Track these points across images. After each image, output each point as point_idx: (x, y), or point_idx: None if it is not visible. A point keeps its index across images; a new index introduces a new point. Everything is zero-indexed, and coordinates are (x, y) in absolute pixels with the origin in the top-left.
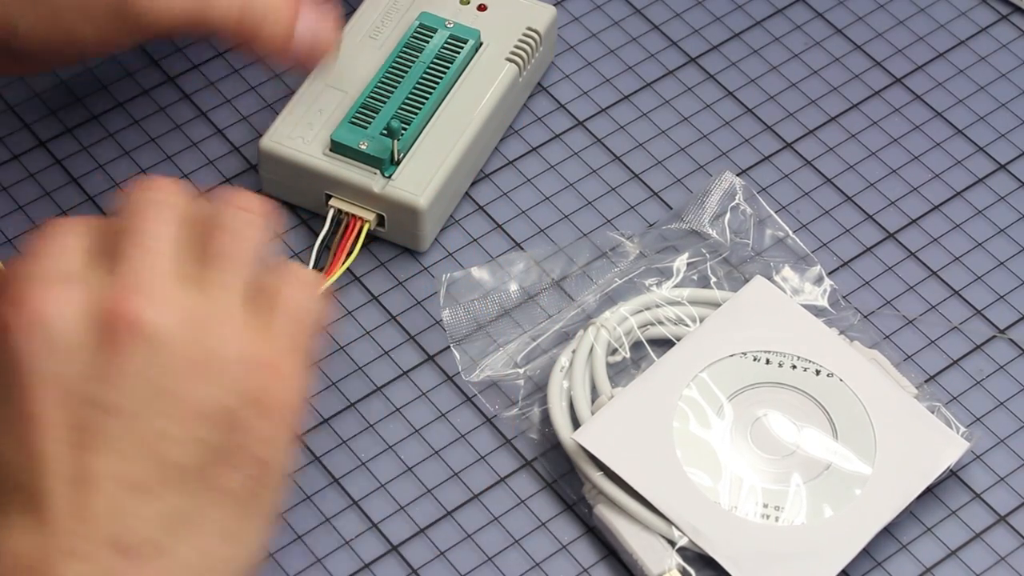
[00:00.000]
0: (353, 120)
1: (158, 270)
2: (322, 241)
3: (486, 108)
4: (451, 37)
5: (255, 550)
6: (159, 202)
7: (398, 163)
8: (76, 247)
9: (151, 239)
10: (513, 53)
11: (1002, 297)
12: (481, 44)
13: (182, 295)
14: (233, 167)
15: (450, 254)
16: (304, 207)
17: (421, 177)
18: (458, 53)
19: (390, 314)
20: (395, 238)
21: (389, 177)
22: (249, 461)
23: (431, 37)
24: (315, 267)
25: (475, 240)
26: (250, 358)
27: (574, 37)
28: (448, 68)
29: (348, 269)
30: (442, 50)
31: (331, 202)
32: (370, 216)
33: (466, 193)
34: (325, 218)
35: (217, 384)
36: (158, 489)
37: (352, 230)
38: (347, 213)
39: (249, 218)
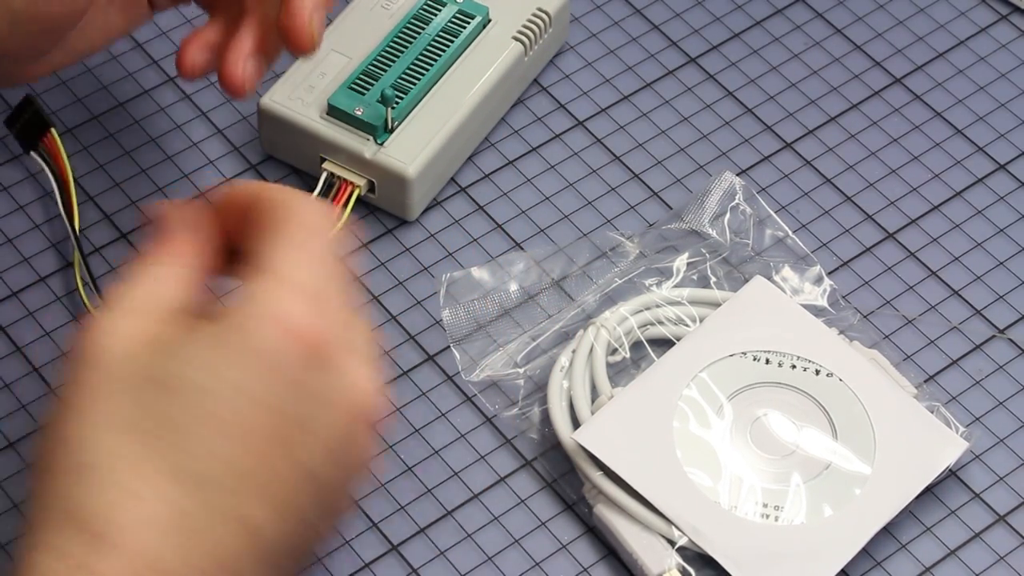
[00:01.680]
0: (352, 86)
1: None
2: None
3: (486, 84)
4: (459, 12)
5: None
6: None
7: (392, 131)
8: (173, 295)
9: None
10: (520, 32)
11: (1002, 297)
12: (489, 21)
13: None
14: (233, 167)
15: (450, 254)
16: (300, 168)
17: (413, 146)
18: (464, 28)
19: (390, 314)
20: (385, 205)
21: (382, 144)
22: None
23: (439, 10)
24: None
25: (475, 240)
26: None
27: (574, 37)
28: (452, 42)
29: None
30: (449, 24)
31: (324, 165)
32: (361, 182)
33: (466, 192)
34: (318, 180)
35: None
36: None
37: (343, 194)
38: (339, 177)
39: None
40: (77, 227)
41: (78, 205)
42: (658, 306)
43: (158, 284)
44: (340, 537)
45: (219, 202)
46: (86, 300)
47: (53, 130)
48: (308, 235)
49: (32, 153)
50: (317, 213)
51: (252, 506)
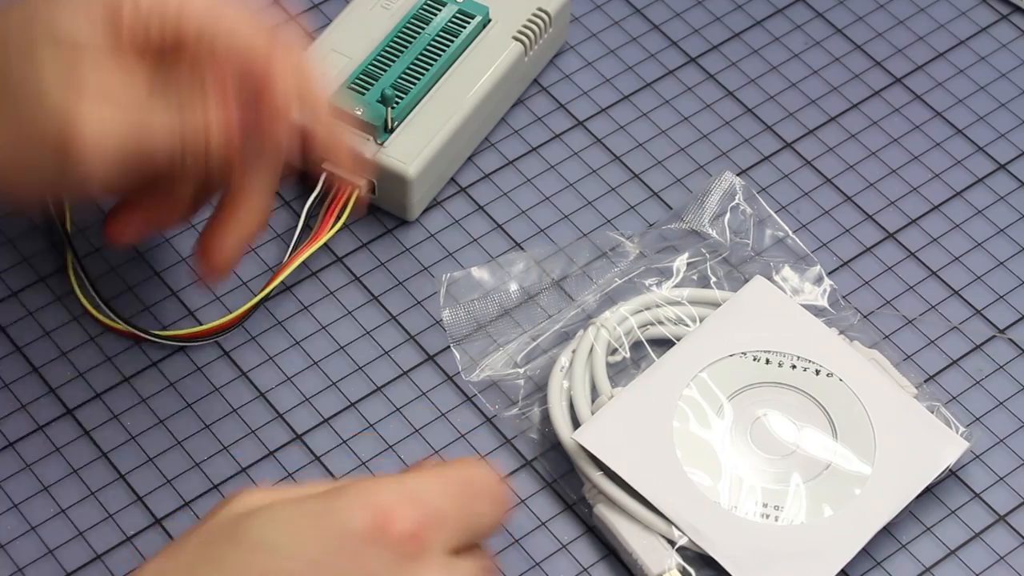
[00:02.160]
0: (352, 86)
1: (459, 526)
2: (312, 202)
3: (486, 84)
4: (459, 12)
5: None
6: None
7: (392, 131)
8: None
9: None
10: (520, 32)
11: (1002, 297)
12: (489, 21)
13: (448, 556)
14: None
15: (450, 254)
16: (300, 168)
17: (413, 147)
18: (464, 28)
19: (390, 314)
20: (385, 205)
21: (382, 144)
22: None
23: (439, 10)
24: (304, 226)
25: (475, 240)
26: None
27: (574, 37)
28: (452, 42)
29: (347, 268)
30: (449, 24)
31: (324, 165)
32: (361, 182)
33: (466, 192)
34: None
35: None
36: None
37: (343, 194)
38: (339, 177)
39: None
40: (68, 227)
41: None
42: (658, 306)
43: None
44: None
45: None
46: (83, 299)
47: None
48: (451, 467)
49: None
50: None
51: None
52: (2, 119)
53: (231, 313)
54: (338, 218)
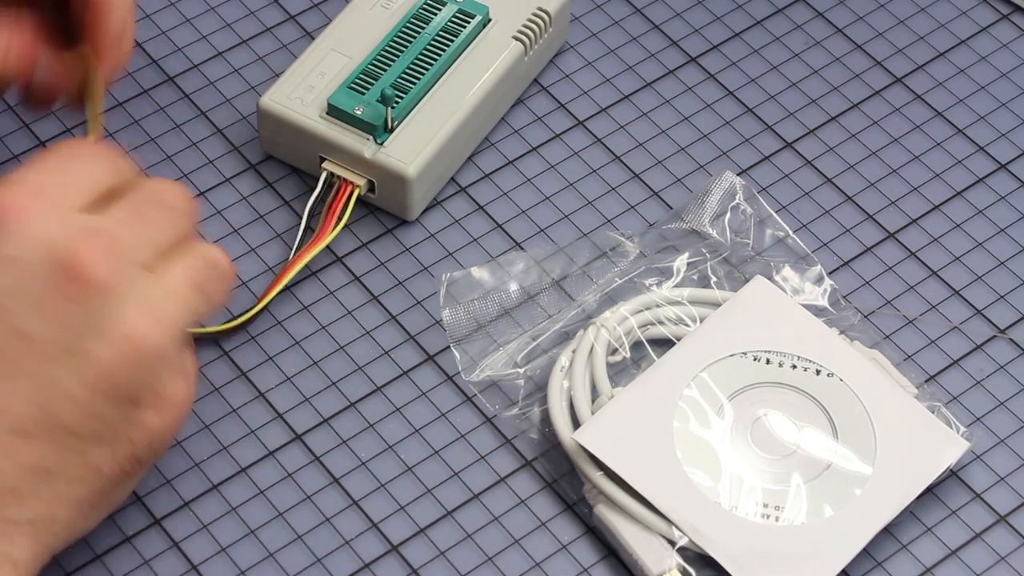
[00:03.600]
0: (352, 85)
1: (139, 243)
2: (314, 202)
3: (486, 84)
4: (459, 11)
5: (88, 528)
6: (172, 207)
7: (392, 131)
8: (90, 181)
9: (148, 222)
10: (520, 32)
11: (1002, 297)
12: (489, 20)
13: (143, 275)
14: (233, 167)
15: (450, 254)
16: (300, 168)
17: (413, 146)
18: (464, 27)
19: (390, 314)
20: (385, 205)
21: (382, 144)
22: (129, 454)
23: (439, 10)
24: (307, 227)
25: (475, 240)
26: (174, 361)
27: (574, 37)
28: (452, 41)
29: (347, 268)
30: (449, 23)
31: (324, 165)
32: (361, 181)
33: (466, 192)
34: (318, 180)
35: (136, 370)
36: (36, 440)
37: (343, 194)
38: (339, 177)
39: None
40: None
41: None
42: (658, 306)
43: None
44: (340, 537)
45: None
46: None
47: None
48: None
49: None
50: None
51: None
52: None
53: (235, 318)
54: (339, 219)
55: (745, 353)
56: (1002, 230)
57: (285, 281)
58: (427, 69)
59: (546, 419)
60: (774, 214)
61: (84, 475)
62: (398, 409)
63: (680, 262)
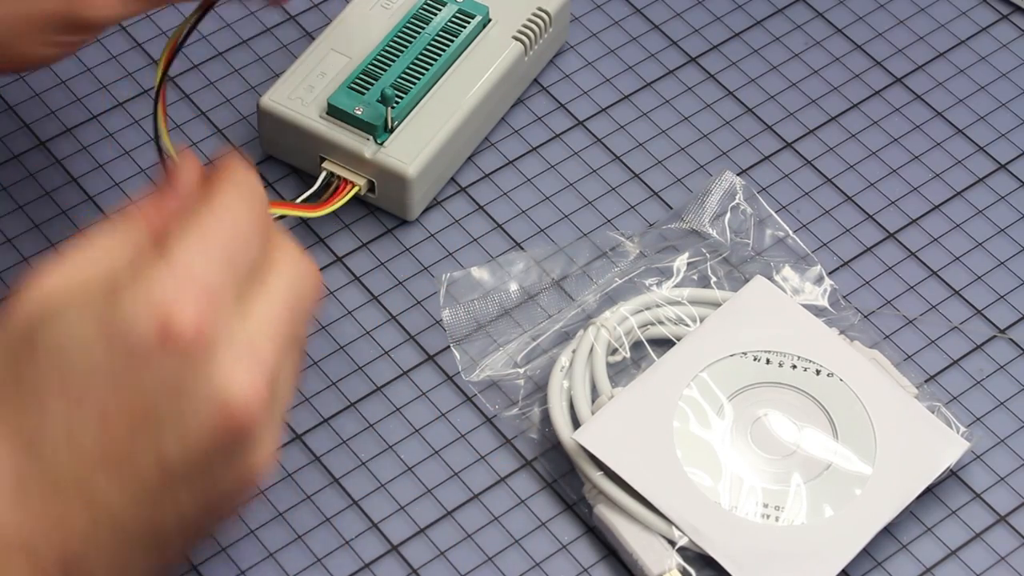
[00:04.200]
0: (352, 85)
1: (210, 281)
2: (307, 199)
3: (486, 84)
4: (459, 11)
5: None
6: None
7: (392, 131)
8: (118, 246)
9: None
10: (520, 32)
11: (1002, 297)
12: (489, 20)
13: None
14: None
15: (450, 254)
16: (300, 168)
17: (413, 146)
18: (464, 27)
19: (390, 314)
20: (385, 205)
21: (382, 144)
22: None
23: (439, 10)
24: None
25: (475, 240)
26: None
27: (574, 37)
28: (452, 41)
29: (347, 268)
30: (449, 23)
31: (324, 164)
32: (361, 181)
33: (466, 192)
34: (317, 179)
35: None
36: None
37: (342, 193)
38: (339, 176)
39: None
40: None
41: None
42: (658, 306)
43: (111, 244)
44: (340, 537)
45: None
46: None
47: None
48: (217, 221)
49: None
50: (238, 195)
51: (99, 481)
52: None
53: None
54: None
55: (745, 353)
56: (1002, 230)
57: None
58: (427, 69)
59: (546, 419)
60: (774, 214)
61: (182, 544)
62: (398, 409)
63: (680, 262)
